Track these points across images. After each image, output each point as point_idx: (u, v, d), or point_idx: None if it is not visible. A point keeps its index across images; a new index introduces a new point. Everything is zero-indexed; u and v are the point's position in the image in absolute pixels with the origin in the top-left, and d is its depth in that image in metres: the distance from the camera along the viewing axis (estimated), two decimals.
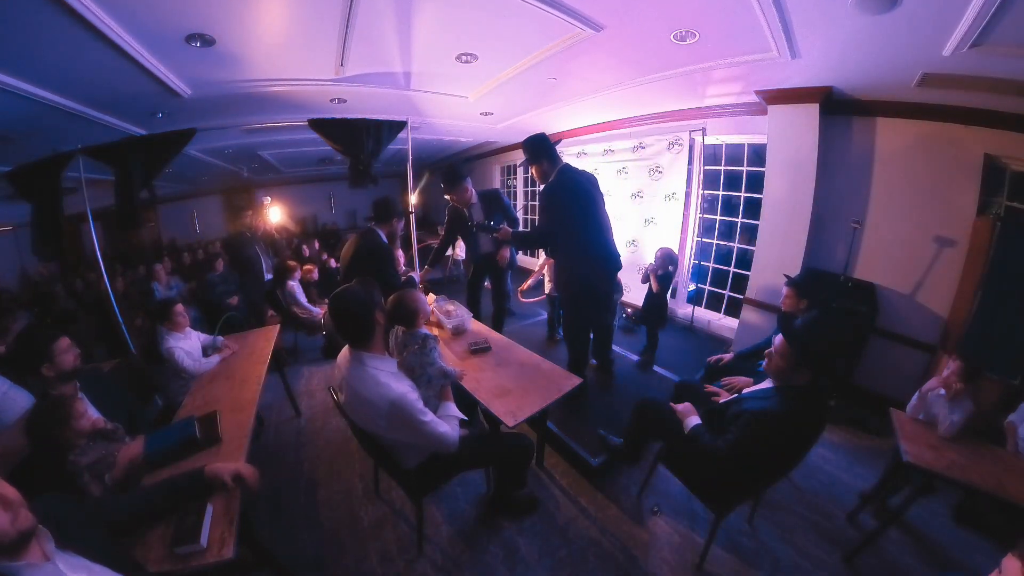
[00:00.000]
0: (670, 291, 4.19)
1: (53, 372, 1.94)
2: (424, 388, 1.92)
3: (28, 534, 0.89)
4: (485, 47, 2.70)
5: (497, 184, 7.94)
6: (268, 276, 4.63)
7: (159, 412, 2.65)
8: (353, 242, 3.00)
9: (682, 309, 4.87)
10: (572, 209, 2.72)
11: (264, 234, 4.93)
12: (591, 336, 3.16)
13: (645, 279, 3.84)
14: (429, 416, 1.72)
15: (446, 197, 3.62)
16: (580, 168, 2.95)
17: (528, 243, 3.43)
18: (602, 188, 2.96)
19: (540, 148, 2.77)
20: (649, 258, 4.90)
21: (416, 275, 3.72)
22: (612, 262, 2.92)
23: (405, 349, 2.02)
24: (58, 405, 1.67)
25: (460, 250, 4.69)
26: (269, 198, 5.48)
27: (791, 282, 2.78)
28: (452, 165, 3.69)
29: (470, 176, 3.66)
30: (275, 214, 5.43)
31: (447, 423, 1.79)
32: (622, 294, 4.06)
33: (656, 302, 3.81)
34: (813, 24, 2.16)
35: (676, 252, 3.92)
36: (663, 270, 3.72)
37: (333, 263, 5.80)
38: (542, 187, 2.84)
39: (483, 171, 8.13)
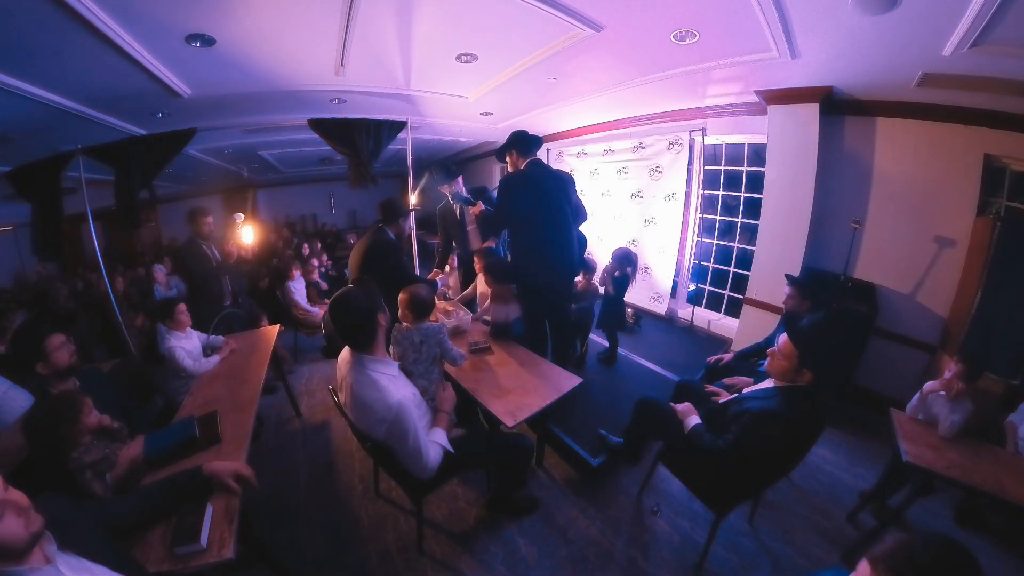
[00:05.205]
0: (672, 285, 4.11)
1: (48, 370, 1.94)
2: (435, 384, 2.11)
3: (38, 536, 0.89)
4: (485, 47, 2.70)
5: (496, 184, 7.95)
6: (227, 302, 3.77)
7: (159, 412, 2.64)
8: (363, 243, 3.00)
9: (682, 309, 4.87)
10: (520, 202, 2.76)
11: (237, 262, 3.87)
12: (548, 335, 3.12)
13: (603, 282, 3.71)
14: (421, 433, 1.72)
15: (441, 190, 3.74)
16: (556, 169, 3.03)
17: (483, 225, 3.49)
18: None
19: (511, 142, 2.88)
20: (646, 258, 4.92)
21: (440, 278, 3.78)
22: (562, 263, 2.87)
23: (422, 345, 2.10)
24: (68, 400, 1.67)
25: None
26: (242, 215, 4.07)
27: (795, 282, 2.78)
28: (447, 160, 3.86)
29: (470, 174, 3.73)
30: (248, 234, 4.03)
31: (432, 448, 1.77)
32: (588, 302, 3.76)
33: (611, 305, 3.68)
34: (813, 24, 2.17)
35: (633, 251, 3.79)
36: (620, 271, 3.60)
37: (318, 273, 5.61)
38: None
39: (483, 171, 8.13)
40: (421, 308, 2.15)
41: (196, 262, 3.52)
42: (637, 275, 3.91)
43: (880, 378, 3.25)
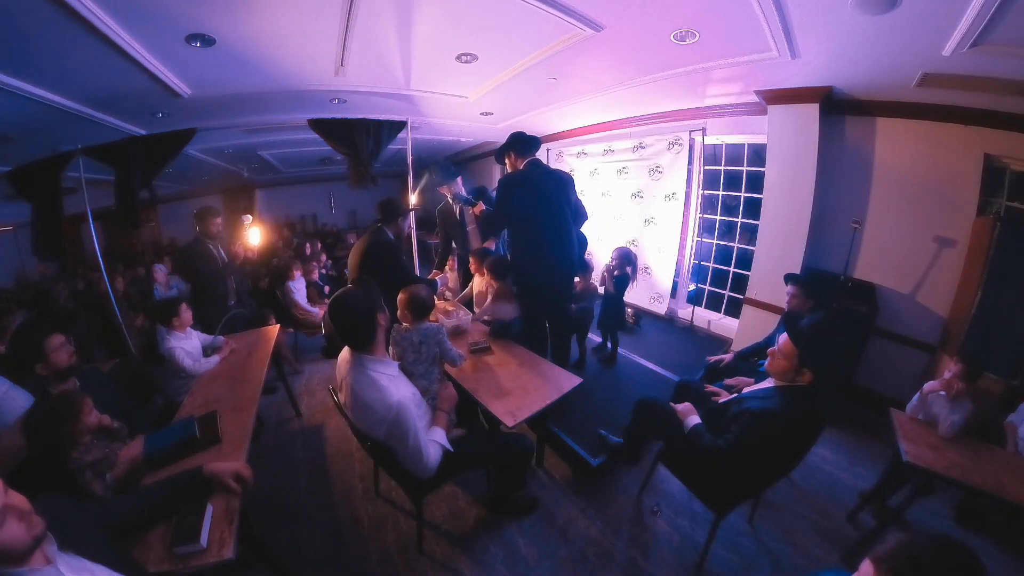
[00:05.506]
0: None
1: (47, 370, 1.94)
2: (436, 384, 2.11)
3: (40, 540, 0.89)
4: (485, 47, 2.70)
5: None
6: (231, 302, 3.72)
7: (159, 412, 2.64)
8: (362, 243, 3.00)
9: (682, 309, 4.87)
10: (519, 202, 2.74)
11: (243, 263, 3.88)
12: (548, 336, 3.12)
13: (602, 282, 3.72)
14: (421, 433, 1.72)
15: (440, 191, 3.73)
16: (557, 169, 3.01)
17: (483, 225, 3.48)
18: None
19: (509, 143, 2.87)
20: (646, 258, 4.92)
21: (440, 278, 3.77)
22: (562, 263, 2.87)
23: (422, 346, 2.10)
24: (68, 400, 1.67)
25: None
26: (250, 217, 4.14)
27: (798, 281, 2.78)
28: (446, 160, 3.86)
29: (470, 174, 3.73)
30: (255, 235, 4.02)
31: (432, 448, 1.77)
32: (589, 302, 3.74)
33: (612, 304, 3.68)
34: (813, 24, 2.17)
35: (633, 251, 3.81)
36: (620, 271, 3.61)
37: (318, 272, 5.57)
38: None
39: (483, 171, 8.13)
40: (420, 308, 2.15)
41: (202, 262, 3.50)
42: (637, 275, 3.91)
43: (880, 378, 3.25)
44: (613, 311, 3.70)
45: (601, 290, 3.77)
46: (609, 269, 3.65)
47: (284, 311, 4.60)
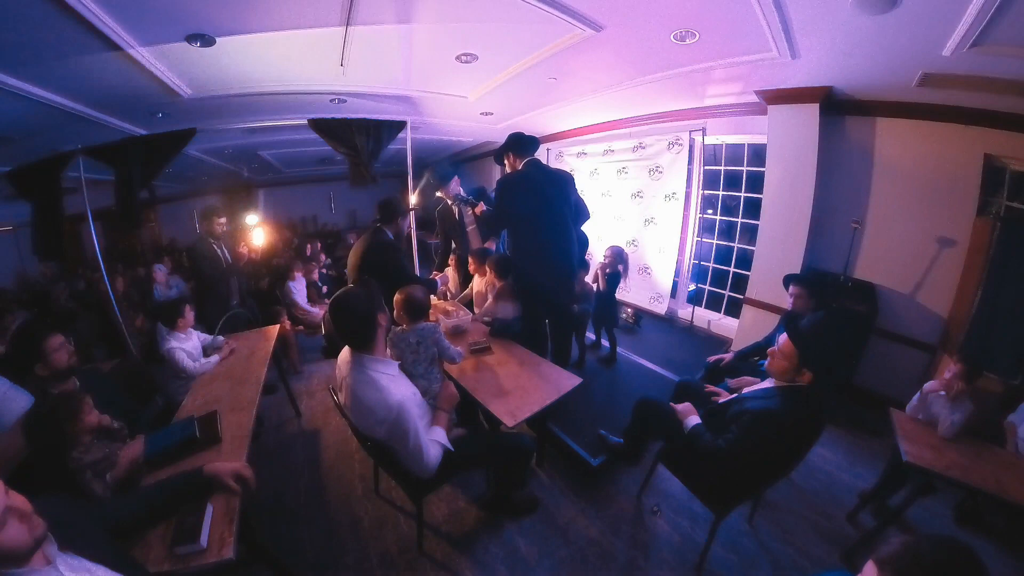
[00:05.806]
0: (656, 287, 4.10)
1: (47, 371, 1.94)
2: (436, 383, 2.11)
3: (41, 541, 0.89)
4: (485, 47, 2.70)
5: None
6: (233, 302, 3.82)
7: (159, 412, 2.64)
8: (361, 243, 3.00)
9: (682, 309, 4.87)
10: (518, 202, 2.74)
11: (246, 263, 4.01)
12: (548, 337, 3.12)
13: (594, 279, 3.77)
14: (422, 432, 1.72)
15: (438, 194, 3.73)
16: (556, 168, 3.01)
17: (483, 225, 3.48)
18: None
19: (508, 144, 2.89)
20: (646, 258, 4.92)
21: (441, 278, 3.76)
22: (561, 263, 2.87)
23: (419, 346, 2.10)
24: (68, 399, 1.67)
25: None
26: (256, 218, 4.42)
27: (802, 281, 2.77)
28: (443, 161, 3.85)
29: (471, 174, 3.71)
30: (259, 236, 4.29)
31: (433, 447, 1.77)
32: (589, 302, 3.75)
33: (605, 302, 3.72)
34: (813, 24, 2.17)
35: (625, 250, 3.86)
36: (612, 269, 3.66)
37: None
38: None
39: (483, 171, 8.13)
40: (416, 309, 2.14)
41: (206, 261, 3.55)
42: (637, 275, 3.90)
43: (880, 378, 3.25)
44: (606, 308, 3.73)
45: (595, 288, 3.79)
46: (603, 267, 3.67)
47: (284, 311, 4.60)
